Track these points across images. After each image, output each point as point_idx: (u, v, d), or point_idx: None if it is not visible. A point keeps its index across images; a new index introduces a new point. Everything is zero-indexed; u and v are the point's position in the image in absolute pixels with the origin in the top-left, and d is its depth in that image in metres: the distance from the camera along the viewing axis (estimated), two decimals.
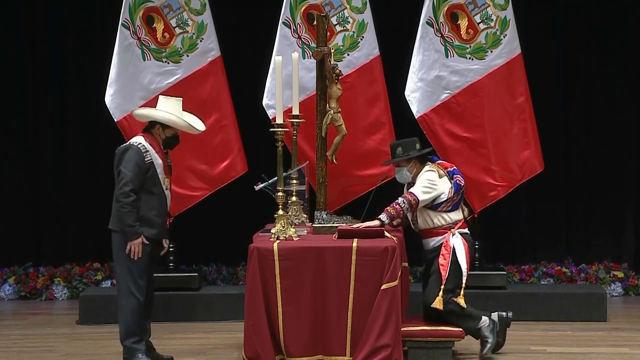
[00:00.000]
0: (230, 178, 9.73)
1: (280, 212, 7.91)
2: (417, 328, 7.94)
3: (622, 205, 10.85)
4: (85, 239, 10.97)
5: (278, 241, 7.76)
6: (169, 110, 7.74)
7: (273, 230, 7.89)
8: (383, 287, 7.59)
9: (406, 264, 8.42)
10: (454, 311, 7.96)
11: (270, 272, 7.64)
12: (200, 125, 7.93)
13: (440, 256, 7.98)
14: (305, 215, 8.58)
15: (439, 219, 8.05)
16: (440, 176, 8.04)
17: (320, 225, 8.26)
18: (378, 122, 9.54)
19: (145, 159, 7.59)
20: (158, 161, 7.67)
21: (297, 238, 7.87)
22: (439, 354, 7.91)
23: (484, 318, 8.06)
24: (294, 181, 8.54)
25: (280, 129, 7.95)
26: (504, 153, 9.59)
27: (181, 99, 7.93)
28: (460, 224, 8.11)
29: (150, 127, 7.77)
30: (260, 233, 8.32)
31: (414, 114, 9.57)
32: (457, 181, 8.08)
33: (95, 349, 8.62)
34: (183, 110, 7.93)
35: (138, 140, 7.69)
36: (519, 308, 9.49)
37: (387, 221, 7.97)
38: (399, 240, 7.92)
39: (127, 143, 7.72)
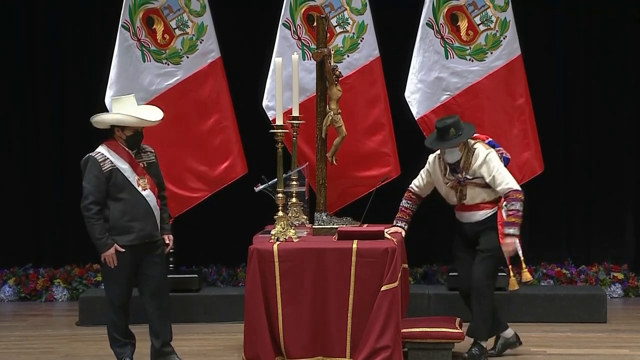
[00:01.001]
0: (230, 179, 9.73)
1: (280, 213, 7.92)
2: (417, 329, 7.93)
3: (622, 206, 10.85)
4: (85, 240, 10.90)
5: (278, 242, 7.76)
6: (123, 109, 7.63)
7: (273, 232, 7.89)
8: (383, 288, 7.59)
9: (406, 265, 8.42)
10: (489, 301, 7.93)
11: (270, 274, 7.65)
12: (153, 116, 7.72)
13: (500, 235, 7.82)
14: (305, 217, 8.58)
15: (491, 193, 7.92)
16: None
17: (320, 226, 8.27)
18: (378, 123, 9.54)
19: (104, 168, 7.52)
20: (123, 165, 7.57)
21: (297, 239, 7.88)
22: (438, 355, 7.91)
23: (484, 344, 8.06)
24: (294, 182, 8.54)
25: (280, 131, 7.96)
26: None
27: (132, 95, 7.83)
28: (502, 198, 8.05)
29: (111, 132, 7.68)
30: (260, 234, 8.32)
31: (414, 115, 9.57)
32: (505, 155, 8.04)
33: (95, 350, 8.62)
34: (148, 105, 7.88)
35: (98, 149, 7.62)
36: (519, 309, 9.50)
37: (518, 233, 7.82)
38: (398, 242, 7.92)
39: (87, 155, 7.65)
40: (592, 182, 10.84)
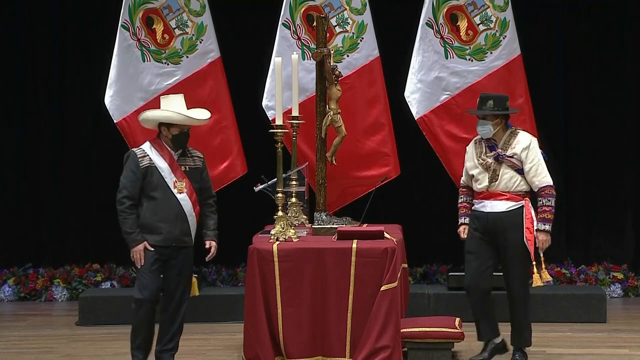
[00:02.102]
0: (229, 179, 9.72)
1: (280, 213, 7.92)
2: (417, 329, 7.93)
3: (622, 206, 10.85)
4: (84, 240, 10.97)
5: (278, 242, 7.76)
6: (171, 108, 7.54)
7: (273, 232, 7.89)
8: (383, 288, 7.59)
9: (406, 265, 8.43)
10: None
11: (270, 274, 7.64)
12: (201, 115, 7.64)
13: (526, 230, 7.73)
14: (305, 217, 8.58)
15: (523, 184, 7.82)
16: None
17: (319, 226, 8.26)
18: (378, 123, 9.54)
19: (141, 164, 7.42)
20: (162, 165, 7.44)
21: (297, 239, 7.87)
22: (438, 355, 7.90)
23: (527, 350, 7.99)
24: (294, 182, 8.53)
25: (279, 130, 7.95)
26: None
27: (182, 95, 7.70)
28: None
29: (159, 130, 7.57)
30: (259, 234, 8.32)
31: (414, 115, 9.57)
32: (544, 152, 7.96)
33: (95, 350, 8.62)
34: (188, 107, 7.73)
35: (142, 145, 7.55)
36: None
37: (550, 229, 7.79)
38: (398, 242, 7.92)
39: (130, 149, 7.59)
40: (592, 182, 10.85)
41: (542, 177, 7.83)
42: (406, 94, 9.57)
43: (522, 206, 7.81)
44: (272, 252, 7.65)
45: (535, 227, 7.80)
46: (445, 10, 9.55)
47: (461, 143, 9.53)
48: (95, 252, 10.90)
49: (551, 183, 7.84)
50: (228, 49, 10.05)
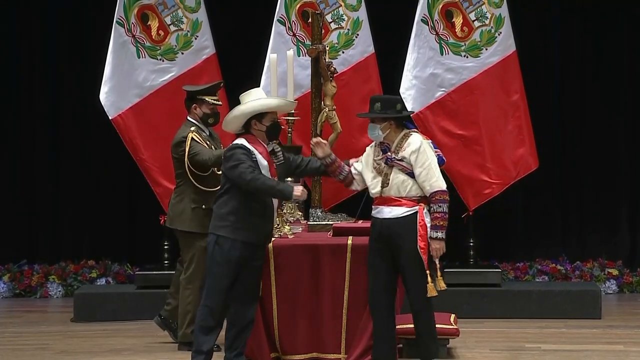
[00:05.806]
0: None
1: None
2: (412, 325, 7.91)
3: (617, 202, 10.86)
4: (80, 236, 10.95)
5: (273, 239, 7.75)
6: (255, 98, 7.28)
7: None
8: None
9: None
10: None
11: (265, 270, 7.64)
12: (289, 99, 7.34)
13: (419, 238, 7.23)
14: (300, 213, 8.57)
15: (417, 188, 7.32)
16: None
17: (315, 222, 8.26)
18: None
19: (251, 156, 7.11)
20: (263, 163, 7.19)
21: (292, 236, 7.88)
22: None
23: None
24: (289, 179, 8.51)
25: None
26: (499, 150, 9.60)
27: (260, 88, 7.45)
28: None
29: (247, 127, 7.27)
30: None
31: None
32: (441, 155, 7.51)
33: (90, 347, 8.61)
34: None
35: (238, 141, 7.20)
36: (513, 305, 9.51)
37: (444, 237, 7.29)
38: None
39: (232, 146, 7.19)
40: (587, 178, 10.85)
41: (432, 181, 7.28)
42: (401, 90, 9.58)
43: (416, 212, 7.31)
44: (268, 248, 7.64)
45: (428, 235, 7.30)
46: (441, 6, 9.56)
47: (456, 139, 9.57)
48: (90, 248, 10.89)
49: (443, 187, 7.30)
50: (223, 46, 10.04)
